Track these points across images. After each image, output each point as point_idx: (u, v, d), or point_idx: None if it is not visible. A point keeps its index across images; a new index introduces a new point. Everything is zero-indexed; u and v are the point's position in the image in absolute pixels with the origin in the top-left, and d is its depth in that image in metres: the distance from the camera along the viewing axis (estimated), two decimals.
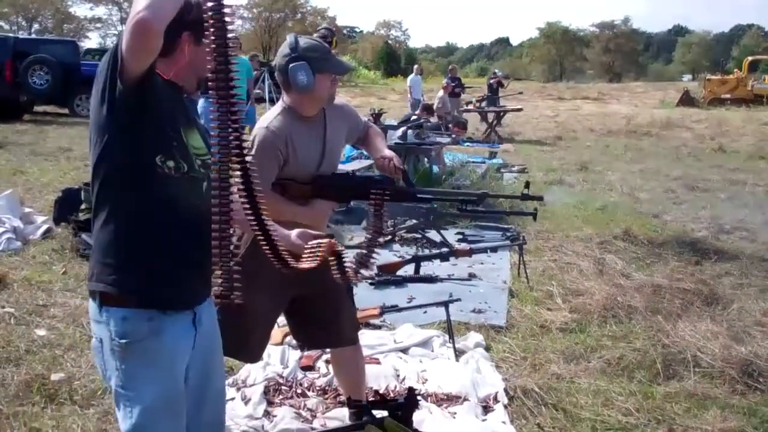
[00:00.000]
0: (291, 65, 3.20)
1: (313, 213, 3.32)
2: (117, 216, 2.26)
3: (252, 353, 3.60)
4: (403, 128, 9.70)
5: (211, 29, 2.01)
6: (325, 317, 3.56)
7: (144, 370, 2.30)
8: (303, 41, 3.27)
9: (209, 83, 2.06)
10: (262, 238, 2.36)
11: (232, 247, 2.24)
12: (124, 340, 2.26)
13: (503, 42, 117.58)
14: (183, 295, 2.36)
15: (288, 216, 3.16)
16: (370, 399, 3.73)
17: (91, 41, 68.38)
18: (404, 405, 3.48)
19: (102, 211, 2.27)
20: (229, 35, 2.03)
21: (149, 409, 2.29)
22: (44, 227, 6.89)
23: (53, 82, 17.94)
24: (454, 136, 11.03)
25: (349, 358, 3.77)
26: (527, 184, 3.71)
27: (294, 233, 2.71)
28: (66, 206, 7.09)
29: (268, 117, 3.32)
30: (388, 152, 3.49)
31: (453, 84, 20.66)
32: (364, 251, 3.10)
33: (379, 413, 3.57)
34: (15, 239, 6.53)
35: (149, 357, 2.29)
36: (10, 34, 23.65)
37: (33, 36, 44.97)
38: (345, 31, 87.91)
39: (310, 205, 3.35)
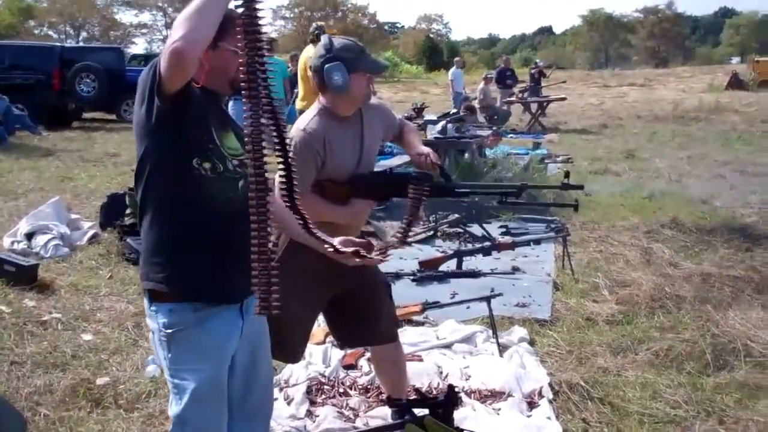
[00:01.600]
0: (326, 66, 3.19)
1: (352, 212, 3.30)
2: (160, 217, 2.41)
3: (291, 353, 3.58)
4: (442, 122, 9.63)
5: (243, 31, 2.03)
6: (363, 315, 3.54)
7: (189, 358, 2.43)
8: (337, 41, 3.25)
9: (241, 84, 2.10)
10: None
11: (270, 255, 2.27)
12: (170, 330, 2.41)
13: (546, 31, 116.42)
14: (227, 289, 2.46)
15: (327, 217, 3.16)
16: (410, 397, 3.70)
17: (138, 47, 69.28)
18: (444, 403, 3.44)
19: (147, 214, 2.43)
20: (261, 34, 2.05)
21: (194, 395, 2.43)
22: (90, 233, 6.97)
23: (100, 88, 18.19)
24: (490, 140, 10.92)
25: (389, 356, 3.74)
26: (567, 174, 3.65)
27: (336, 241, 2.74)
28: (111, 211, 7.19)
29: (305, 119, 3.31)
30: (424, 148, 3.47)
31: (495, 76, 20.59)
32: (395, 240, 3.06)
33: (420, 411, 3.54)
34: (62, 245, 6.61)
35: (194, 345, 2.43)
36: (57, 44, 23.99)
37: (79, 44, 45.65)
38: (386, 27, 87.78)
39: (349, 205, 3.33)
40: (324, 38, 3.30)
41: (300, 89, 8.95)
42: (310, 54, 8.72)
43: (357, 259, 2.75)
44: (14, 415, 3.54)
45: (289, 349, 3.51)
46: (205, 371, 2.44)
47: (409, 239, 3.24)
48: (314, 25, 9.35)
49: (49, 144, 14.35)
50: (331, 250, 2.64)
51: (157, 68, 2.22)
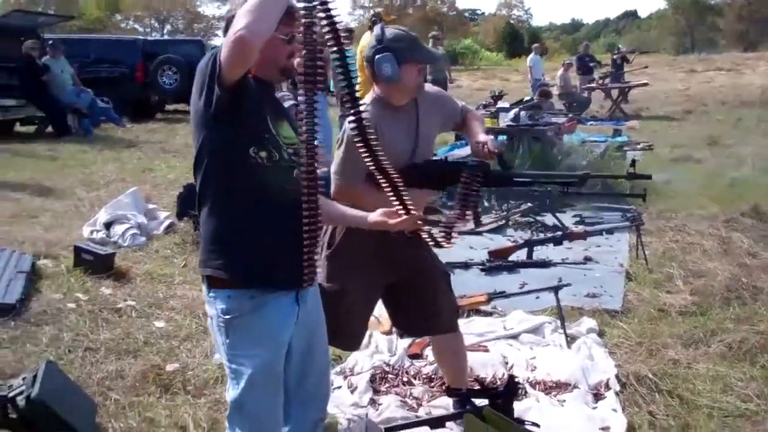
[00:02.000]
0: (377, 56, 3.21)
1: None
2: (218, 205, 2.47)
3: (350, 340, 3.60)
4: (515, 110, 9.52)
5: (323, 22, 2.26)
6: (422, 304, 3.54)
7: (246, 344, 2.49)
8: (389, 32, 3.26)
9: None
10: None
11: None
12: (228, 316, 2.47)
13: (631, 15, 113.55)
14: (283, 275, 2.50)
15: (380, 207, 3.16)
16: (470, 387, 3.68)
17: (219, 39, 70.22)
18: (504, 393, 3.41)
19: (206, 202, 2.49)
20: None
21: (250, 380, 2.48)
22: (167, 222, 7.13)
23: (182, 81, 18.45)
24: (565, 127, 10.73)
25: (449, 346, 3.74)
26: (633, 163, 3.55)
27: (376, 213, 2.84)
28: (188, 201, 7.31)
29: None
30: (482, 136, 3.43)
31: (578, 63, 20.27)
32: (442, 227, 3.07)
33: (481, 402, 3.52)
34: (139, 235, 6.78)
35: (250, 331, 2.48)
36: (140, 37, 24.57)
37: (162, 37, 46.57)
38: (466, 14, 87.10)
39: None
40: (376, 29, 3.31)
41: (359, 77, 8.97)
42: (366, 42, 8.77)
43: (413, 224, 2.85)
44: (84, 399, 3.67)
45: (348, 336, 3.53)
46: (261, 357, 2.49)
47: (465, 226, 3.21)
48: (372, 12, 9.37)
49: (132, 136, 14.72)
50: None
51: (217, 58, 2.28)
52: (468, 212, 3.17)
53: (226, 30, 2.51)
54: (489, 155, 3.34)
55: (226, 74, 2.26)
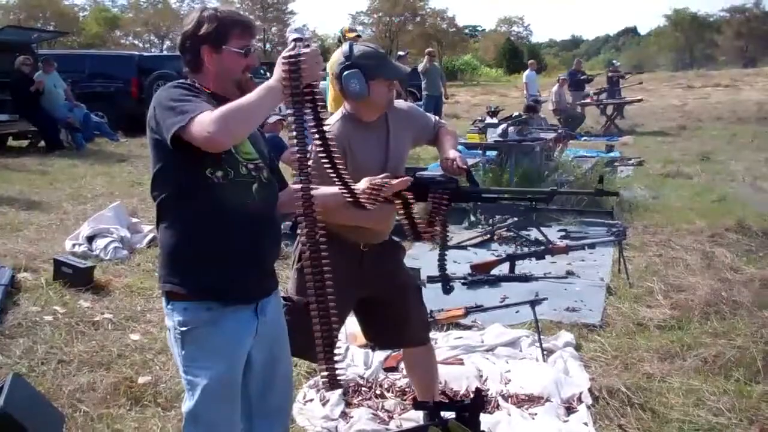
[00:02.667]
0: (344, 73, 3.21)
1: (376, 217, 3.27)
2: (176, 223, 2.47)
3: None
4: (503, 125, 9.52)
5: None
6: (394, 317, 3.54)
7: (201, 356, 2.48)
8: (357, 48, 3.27)
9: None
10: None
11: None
12: (184, 328, 2.47)
13: (630, 32, 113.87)
14: (241, 290, 2.52)
15: (351, 221, 3.16)
16: (437, 400, 3.67)
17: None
18: (471, 406, 3.40)
19: (163, 220, 2.50)
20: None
21: (206, 391, 2.47)
22: (150, 236, 7.11)
23: None
24: (554, 144, 10.77)
25: (420, 359, 3.73)
26: (601, 179, 3.54)
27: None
28: None
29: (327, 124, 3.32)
30: (452, 153, 3.43)
31: (569, 78, 20.29)
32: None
33: (448, 414, 3.51)
34: (122, 248, 6.77)
35: (206, 343, 2.48)
36: (135, 52, 24.57)
37: (156, 53, 46.64)
38: (466, 31, 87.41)
39: (374, 209, 3.32)
40: (344, 45, 3.32)
41: (331, 92, 8.97)
42: (335, 59, 8.78)
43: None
44: (52, 411, 3.65)
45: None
46: (217, 369, 2.48)
47: (425, 238, 3.20)
48: (340, 28, 9.40)
49: (125, 150, 14.70)
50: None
51: (186, 123, 2.25)
52: (436, 227, 3.16)
53: (182, 46, 2.55)
54: (458, 171, 3.34)
55: (185, 140, 2.27)
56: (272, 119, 7.07)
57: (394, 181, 2.84)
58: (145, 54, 25.91)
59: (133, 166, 12.60)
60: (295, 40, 2.26)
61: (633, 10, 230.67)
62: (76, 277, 5.76)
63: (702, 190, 10.24)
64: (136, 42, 66.92)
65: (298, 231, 3.38)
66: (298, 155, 2.26)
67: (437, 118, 3.74)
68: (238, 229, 2.45)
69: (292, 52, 2.23)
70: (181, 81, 2.47)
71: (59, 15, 60.53)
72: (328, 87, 8.81)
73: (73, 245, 6.82)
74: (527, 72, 21.90)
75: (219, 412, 2.53)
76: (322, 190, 2.89)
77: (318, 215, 2.33)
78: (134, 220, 7.59)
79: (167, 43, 67.94)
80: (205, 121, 2.21)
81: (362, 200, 2.76)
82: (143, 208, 8.83)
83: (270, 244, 2.64)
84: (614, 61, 27.14)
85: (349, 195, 2.68)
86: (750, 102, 26.23)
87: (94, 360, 4.54)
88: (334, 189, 2.72)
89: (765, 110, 22.56)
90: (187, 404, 2.52)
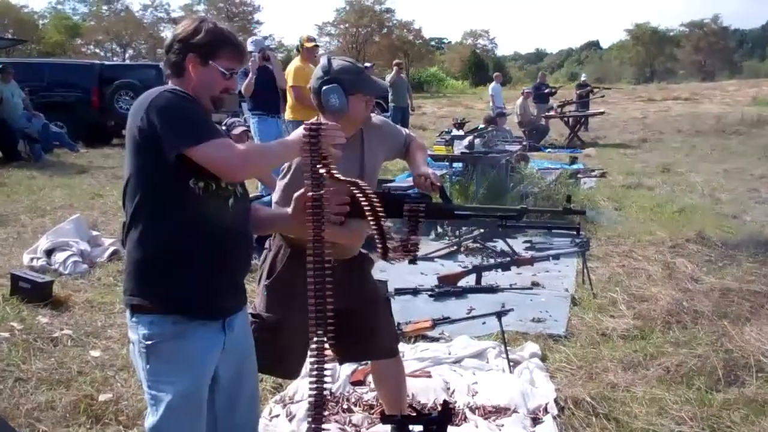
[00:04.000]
0: (323, 88, 3.19)
1: (348, 233, 3.26)
2: (150, 234, 2.42)
3: (289, 370, 3.57)
4: (469, 138, 9.56)
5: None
6: (362, 330, 3.51)
7: (166, 370, 2.44)
8: (336, 63, 3.25)
9: None
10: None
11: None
12: (149, 342, 2.43)
13: (593, 46, 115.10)
14: (209, 305, 2.49)
15: (325, 236, 3.14)
16: (405, 414, 3.66)
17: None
18: (439, 419, 3.39)
19: (135, 228, 2.44)
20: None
21: (170, 406, 2.43)
22: (111, 249, 7.03)
23: None
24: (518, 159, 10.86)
25: (389, 372, 3.72)
26: (569, 198, 3.55)
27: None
28: None
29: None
30: (424, 169, 3.42)
31: (534, 91, 20.51)
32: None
33: (416, 428, 3.50)
34: (81, 262, 6.65)
35: (171, 357, 2.44)
36: (96, 61, 24.26)
37: (118, 62, 46.18)
38: (432, 43, 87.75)
39: (346, 225, 3.31)
40: (323, 60, 3.30)
41: (289, 100, 8.95)
42: (296, 65, 8.78)
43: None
44: (8, 431, 3.57)
45: (287, 365, 3.49)
46: (182, 384, 2.44)
47: (398, 255, 3.18)
48: (299, 37, 9.39)
49: (85, 161, 14.49)
50: None
51: (196, 141, 2.29)
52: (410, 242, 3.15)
53: (170, 47, 2.52)
54: (431, 188, 3.34)
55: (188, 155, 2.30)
56: (237, 131, 7.02)
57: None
58: (107, 63, 25.56)
59: (93, 178, 12.43)
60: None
61: (595, 25, 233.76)
62: (34, 292, 5.66)
63: (663, 201, 10.35)
64: (98, 51, 66.13)
65: (266, 246, 3.38)
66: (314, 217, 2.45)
67: (408, 131, 3.75)
68: (213, 243, 2.43)
69: (314, 121, 2.45)
70: (181, 91, 2.43)
71: (18, 22, 59.49)
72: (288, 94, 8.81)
73: (32, 259, 6.71)
74: (493, 84, 22.10)
75: (183, 428, 2.48)
76: (271, 213, 2.91)
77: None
78: (95, 233, 7.48)
79: (130, 52, 67.42)
80: (229, 150, 2.31)
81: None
82: (104, 221, 8.74)
83: (242, 259, 2.62)
84: (582, 77, 27.34)
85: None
86: (709, 115, 26.62)
87: (53, 377, 4.44)
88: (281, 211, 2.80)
89: (723, 123, 22.91)
90: (150, 420, 2.48)
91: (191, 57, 2.46)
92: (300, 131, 2.41)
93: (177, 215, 2.39)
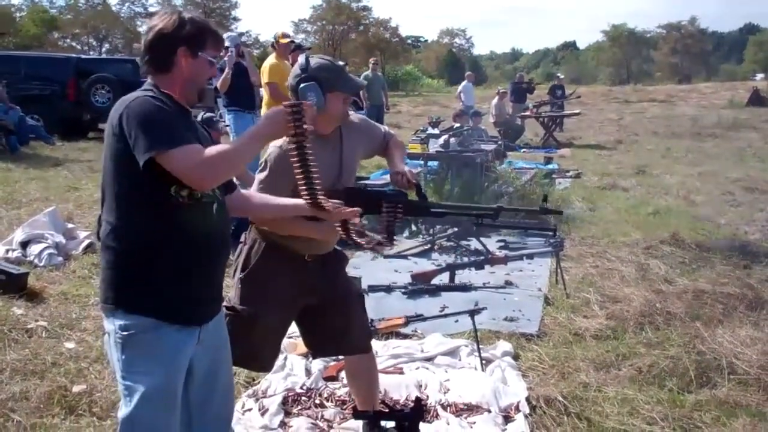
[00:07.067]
0: (301, 85, 3.19)
1: (326, 228, 3.27)
2: (130, 239, 2.42)
3: (263, 363, 3.59)
4: (444, 136, 9.59)
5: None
6: (336, 325, 3.54)
7: (142, 361, 2.45)
8: (314, 61, 3.26)
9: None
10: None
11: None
12: (126, 332, 2.43)
13: (570, 46, 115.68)
14: (189, 312, 2.51)
15: (302, 232, 3.17)
16: (377, 410, 3.68)
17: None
18: (411, 416, 3.42)
19: (114, 234, 2.43)
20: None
21: (144, 397, 2.43)
22: (86, 242, 7.01)
23: (115, 99, 17.78)
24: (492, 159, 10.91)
25: (362, 367, 3.74)
26: (545, 198, 3.60)
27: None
28: None
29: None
30: (401, 167, 3.45)
31: (511, 89, 20.60)
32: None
33: (388, 424, 3.52)
34: (57, 254, 6.63)
35: (148, 349, 2.45)
36: (73, 55, 24.08)
37: (95, 55, 45.77)
38: (409, 41, 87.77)
39: (324, 221, 3.32)
40: (301, 58, 3.30)
41: (264, 97, 8.95)
42: (272, 62, 8.78)
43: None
44: None
45: (261, 358, 3.51)
46: (157, 375, 2.45)
47: (380, 249, 3.21)
48: (274, 34, 9.39)
49: (61, 154, 14.42)
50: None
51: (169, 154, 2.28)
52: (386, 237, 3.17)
53: (153, 43, 2.49)
54: (408, 186, 3.36)
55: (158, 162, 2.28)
56: (220, 125, 7.03)
57: (346, 210, 2.82)
58: (84, 56, 25.37)
59: (69, 171, 12.36)
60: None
61: (572, 25, 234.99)
62: (9, 283, 5.64)
63: (637, 202, 10.43)
64: (75, 44, 65.53)
65: (241, 239, 3.38)
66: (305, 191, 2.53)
67: (386, 128, 3.76)
68: (195, 250, 2.44)
69: (294, 102, 2.45)
70: (154, 95, 2.41)
71: None
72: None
73: (7, 251, 6.67)
74: (464, 83, 21.99)
75: (157, 419, 2.48)
76: (282, 201, 2.91)
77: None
78: (70, 225, 7.45)
79: (106, 45, 66.87)
80: (193, 158, 2.27)
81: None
82: (79, 214, 8.70)
83: (222, 266, 2.63)
84: (558, 74, 27.45)
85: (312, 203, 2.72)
86: (684, 117, 26.84)
87: (27, 368, 4.43)
88: (295, 200, 2.80)
89: (699, 125, 23.07)
90: (123, 410, 2.48)
91: (182, 51, 2.46)
92: (271, 115, 2.46)
93: (158, 224, 2.39)
